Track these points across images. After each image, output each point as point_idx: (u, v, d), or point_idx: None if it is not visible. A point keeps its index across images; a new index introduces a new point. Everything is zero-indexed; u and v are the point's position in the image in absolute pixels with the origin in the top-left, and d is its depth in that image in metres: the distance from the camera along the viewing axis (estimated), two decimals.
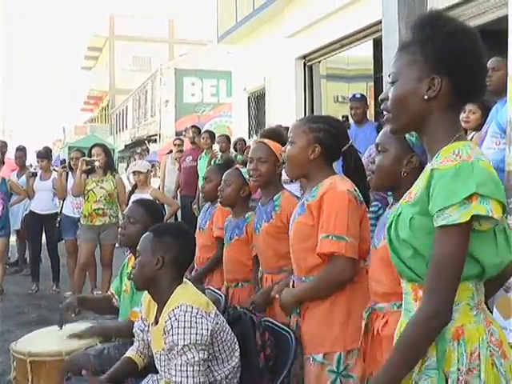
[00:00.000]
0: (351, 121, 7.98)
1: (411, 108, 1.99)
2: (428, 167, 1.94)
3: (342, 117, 8.31)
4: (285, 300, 3.25)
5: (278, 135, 3.96)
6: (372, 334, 2.68)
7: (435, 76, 1.93)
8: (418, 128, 2.04)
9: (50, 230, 9.17)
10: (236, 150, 10.47)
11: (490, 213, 1.79)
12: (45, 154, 9.70)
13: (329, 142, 3.18)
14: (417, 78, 1.96)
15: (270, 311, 3.76)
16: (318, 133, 3.18)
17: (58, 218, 9.00)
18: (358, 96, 7.97)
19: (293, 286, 3.29)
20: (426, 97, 1.95)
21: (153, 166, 16.83)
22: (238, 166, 4.72)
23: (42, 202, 9.26)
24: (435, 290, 1.83)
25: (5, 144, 11.57)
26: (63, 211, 8.87)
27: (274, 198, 3.84)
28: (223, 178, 4.46)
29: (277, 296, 3.44)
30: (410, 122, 2.02)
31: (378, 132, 2.90)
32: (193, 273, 5.02)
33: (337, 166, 3.35)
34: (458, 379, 1.85)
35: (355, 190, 3.10)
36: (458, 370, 1.85)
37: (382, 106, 2.16)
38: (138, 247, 3.27)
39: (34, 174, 9.56)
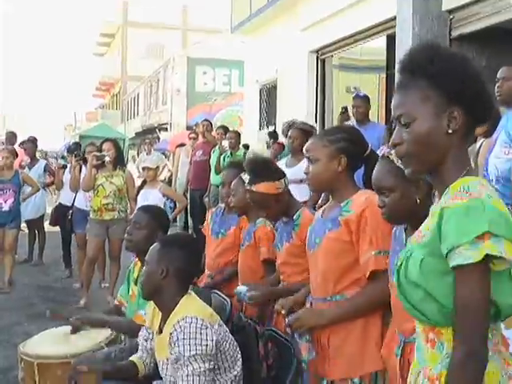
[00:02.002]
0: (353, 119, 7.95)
1: (436, 146, 1.91)
2: (437, 206, 1.90)
3: (342, 108, 8.24)
4: (312, 320, 3.08)
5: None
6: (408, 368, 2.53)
7: (454, 108, 1.88)
8: (437, 165, 1.94)
9: None
10: (231, 146, 10.39)
11: (502, 253, 1.73)
12: (75, 149, 10.00)
13: (352, 150, 3.13)
14: (435, 114, 1.89)
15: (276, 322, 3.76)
16: (338, 143, 3.12)
17: (70, 211, 9.09)
18: (361, 95, 7.93)
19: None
20: (450, 131, 1.89)
21: (163, 153, 16.88)
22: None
23: (70, 195, 9.33)
24: (464, 333, 1.79)
25: (14, 135, 11.64)
26: (75, 204, 8.95)
27: (294, 217, 3.76)
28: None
29: (282, 312, 3.37)
30: (431, 161, 1.93)
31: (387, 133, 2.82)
32: (208, 279, 4.85)
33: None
34: None
35: None
36: None
37: (394, 152, 2.06)
38: (146, 257, 3.31)
39: (64, 167, 9.78)
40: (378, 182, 2.68)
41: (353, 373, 3.00)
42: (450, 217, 1.79)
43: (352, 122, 7.85)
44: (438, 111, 1.89)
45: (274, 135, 11.46)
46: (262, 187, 3.79)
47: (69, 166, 9.81)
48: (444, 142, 1.90)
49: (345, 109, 8.25)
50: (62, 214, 9.74)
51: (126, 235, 4.18)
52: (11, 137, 11.59)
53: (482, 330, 1.78)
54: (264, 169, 3.88)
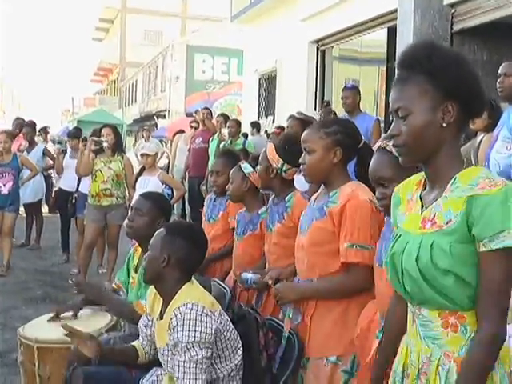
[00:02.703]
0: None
1: (430, 138, 2.02)
2: (449, 194, 1.98)
3: (323, 101, 8.24)
4: (285, 294, 3.28)
5: (292, 142, 3.84)
6: None
7: (449, 102, 1.99)
8: (430, 157, 2.06)
9: None
10: (230, 134, 10.41)
11: None
12: (75, 134, 10.11)
13: (347, 143, 3.20)
14: (431, 108, 2.00)
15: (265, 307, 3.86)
16: (335, 135, 3.19)
17: (74, 195, 9.11)
18: (349, 86, 7.94)
19: None
20: (444, 124, 2.00)
21: (161, 141, 16.88)
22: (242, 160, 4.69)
23: (71, 180, 9.37)
24: (497, 311, 1.92)
25: (23, 121, 11.64)
26: (79, 189, 8.96)
27: (286, 198, 3.83)
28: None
29: (269, 282, 3.49)
30: (426, 152, 2.04)
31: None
32: None
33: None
34: None
35: (373, 198, 3.07)
36: None
37: (392, 143, 2.14)
38: (151, 241, 3.32)
39: (64, 152, 9.81)
40: (376, 173, 2.73)
41: (329, 351, 3.11)
42: (487, 204, 1.88)
43: (341, 115, 7.84)
44: (433, 105, 2.01)
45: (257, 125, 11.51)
46: (269, 147, 3.91)
47: (69, 150, 9.83)
48: (438, 134, 2.01)
49: (327, 102, 8.24)
50: (62, 199, 9.75)
51: (126, 221, 4.17)
52: (21, 123, 11.57)
53: (507, 312, 1.92)
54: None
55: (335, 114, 8.13)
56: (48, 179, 12.12)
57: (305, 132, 3.33)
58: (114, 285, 4.42)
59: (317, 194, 3.42)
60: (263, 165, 3.89)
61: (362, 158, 3.23)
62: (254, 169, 4.36)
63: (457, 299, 1.96)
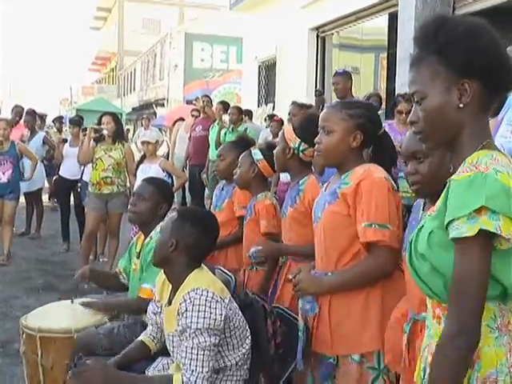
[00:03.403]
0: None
1: (447, 121, 1.88)
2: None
3: (316, 90, 8.23)
4: (311, 288, 3.07)
5: (311, 121, 3.72)
6: (414, 349, 2.50)
7: (465, 81, 1.84)
8: (452, 140, 1.92)
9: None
10: (231, 121, 10.37)
11: (498, 230, 1.68)
12: (76, 122, 10.09)
13: (368, 128, 3.06)
14: (445, 89, 1.87)
15: (278, 297, 3.78)
16: (358, 119, 3.04)
17: (79, 184, 9.10)
18: (341, 72, 7.94)
19: None
20: (461, 105, 1.86)
21: (160, 129, 16.84)
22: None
23: (71, 168, 9.42)
24: (456, 308, 1.75)
25: (22, 109, 11.59)
26: (83, 178, 8.94)
27: (300, 182, 3.75)
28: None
29: (289, 276, 3.32)
30: (445, 136, 1.92)
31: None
32: None
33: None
34: None
35: (390, 178, 2.98)
36: None
37: (413, 130, 2.03)
38: (162, 223, 3.31)
39: (65, 140, 9.81)
40: (412, 147, 2.55)
41: (352, 349, 2.98)
42: (453, 189, 1.77)
43: (328, 103, 7.82)
44: (447, 85, 1.87)
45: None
46: (287, 128, 3.84)
47: (69, 138, 9.79)
48: (456, 116, 1.87)
49: (320, 91, 8.23)
50: (61, 187, 9.72)
51: (129, 206, 4.14)
52: (20, 111, 11.52)
53: (476, 306, 1.73)
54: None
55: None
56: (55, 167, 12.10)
57: (325, 110, 3.20)
58: (116, 269, 4.41)
59: (331, 179, 3.27)
60: (281, 145, 3.80)
61: (380, 144, 3.13)
62: (264, 157, 4.32)
63: (435, 289, 1.84)
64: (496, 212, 1.69)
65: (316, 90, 8.24)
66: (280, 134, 3.94)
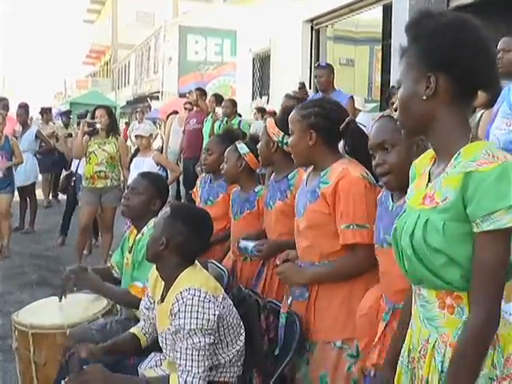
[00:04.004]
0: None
1: (413, 111, 1.95)
2: (450, 170, 1.88)
3: (299, 83, 8.22)
4: (289, 276, 3.23)
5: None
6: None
7: (430, 74, 1.89)
8: (425, 130, 1.98)
9: None
10: (225, 114, 10.34)
11: None
12: (84, 117, 9.87)
13: (323, 125, 3.15)
14: (414, 80, 1.94)
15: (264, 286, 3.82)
16: (309, 118, 3.17)
17: (73, 178, 9.04)
18: (323, 65, 7.94)
19: None
20: (424, 97, 1.91)
21: (154, 122, 16.80)
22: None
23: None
24: (485, 295, 1.80)
25: (7, 102, 11.51)
26: (78, 171, 8.89)
27: (289, 176, 3.77)
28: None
29: (277, 262, 3.42)
30: (415, 125, 1.98)
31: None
32: None
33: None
34: None
35: (367, 174, 3.04)
36: (496, 376, 1.83)
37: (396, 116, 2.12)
38: (155, 219, 3.27)
39: (70, 135, 9.73)
40: (379, 136, 2.63)
41: (335, 336, 3.07)
42: (481, 181, 1.77)
43: (311, 96, 7.80)
44: (417, 77, 1.93)
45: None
46: (269, 122, 3.87)
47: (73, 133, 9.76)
48: (422, 107, 1.93)
49: (302, 84, 8.20)
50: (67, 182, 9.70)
51: (122, 200, 4.12)
52: (6, 103, 11.45)
53: (501, 292, 1.81)
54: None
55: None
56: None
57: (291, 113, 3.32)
58: (109, 264, 4.39)
59: (307, 172, 3.37)
60: (264, 139, 3.83)
61: (348, 136, 3.19)
62: (250, 150, 4.30)
63: (450, 279, 1.86)
64: None
65: (299, 83, 8.21)
66: (262, 128, 3.94)
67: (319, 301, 3.15)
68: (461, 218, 1.81)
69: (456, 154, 1.88)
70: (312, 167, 3.31)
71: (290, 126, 3.25)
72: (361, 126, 3.23)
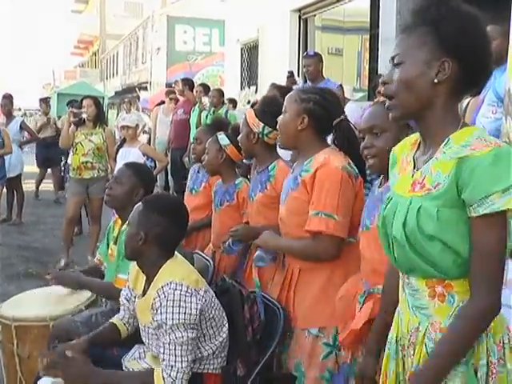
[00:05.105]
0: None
1: (419, 92, 1.89)
2: (440, 156, 1.87)
3: (288, 72, 8.20)
4: (265, 240, 3.28)
5: (272, 104, 3.81)
6: (369, 318, 2.60)
7: (446, 59, 1.85)
8: (419, 114, 1.94)
9: None
10: (212, 104, 10.29)
11: None
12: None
13: (318, 114, 3.13)
14: (426, 61, 1.87)
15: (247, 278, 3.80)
16: (307, 103, 3.13)
17: (63, 168, 9.00)
18: (311, 53, 7.88)
19: None
20: (435, 80, 1.86)
21: (143, 110, 16.72)
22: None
23: None
24: (487, 281, 1.80)
25: None
26: (68, 161, 8.85)
27: (269, 167, 3.75)
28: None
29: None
30: (416, 108, 1.92)
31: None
32: None
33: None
34: (492, 372, 1.84)
35: (349, 165, 3.04)
36: (491, 362, 1.84)
37: (382, 90, 2.03)
38: (129, 216, 3.19)
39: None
40: (370, 121, 2.65)
41: (311, 324, 3.07)
42: (476, 166, 1.76)
43: (299, 84, 7.78)
44: (430, 59, 1.88)
45: None
46: (248, 112, 3.85)
47: None
48: (428, 90, 1.89)
49: (291, 73, 8.18)
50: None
51: (106, 190, 4.08)
52: None
53: (501, 281, 1.82)
54: (273, 104, 3.81)
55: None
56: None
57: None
58: (96, 259, 4.36)
59: (296, 163, 3.34)
60: (244, 131, 3.81)
61: (338, 133, 3.18)
62: (231, 141, 4.27)
63: (443, 267, 1.85)
64: None
65: (288, 71, 8.18)
66: (242, 120, 3.91)
67: (297, 289, 3.15)
68: (454, 204, 1.81)
69: (446, 141, 1.87)
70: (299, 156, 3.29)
71: (284, 103, 3.21)
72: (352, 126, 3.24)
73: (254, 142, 3.77)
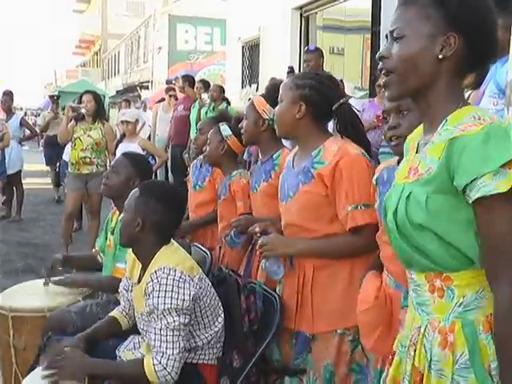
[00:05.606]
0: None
1: (421, 69, 1.76)
2: (435, 139, 1.75)
3: (288, 67, 8.15)
4: (275, 246, 2.98)
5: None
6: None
7: (452, 33, 1.73)
8: (419, 92, 1.81)
9: None
10: (212, 99, 10.25)
11: None
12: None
13: (315, 100, 2.97)
14: (430, 35, 1.74)
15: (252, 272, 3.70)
16: (303, 90, 2.97)
17: (58, 164, 8.97)
18: (312, 48, 7.83)
19: None
20: (440, 56, 1.74)
21: (144, 106, 16.68)
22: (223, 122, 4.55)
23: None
24: (507, 270, 1.61)
25: None
26: (63, 157, 8.82)
27: (274, 156, 3.66)
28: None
29: (256, 230, 3.18)
30: (416, 85, 1.79)
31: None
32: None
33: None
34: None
35: (365, 153, 2.91)
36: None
37: (379, 65, 1.90)
38: (125, 202, 3.14)
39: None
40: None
41: (335, 326, 2.92)
42: (465, 146, 1.62)
43: None
44: (434, 33, 1.75)
45: None
46: (257, 100, 3.75)
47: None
48: (431, 66, 1.77)
49: (291, 68, 8.13)
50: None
51: (103, 179, 4.07)
52: None
53: None
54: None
55: None
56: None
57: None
58: (93, 250, 4.34)
59: (292, 154, 3.22)
60: (252, 117, 3.70)
61: (339, 118, 3.01)
62: (234, 132, 4.23)
63: (438, 259, 1.72)
64: None
65: (288, 67, 8.13)
66: (247, 107, 3.82)
67: (316, 290, 2.97)
68: (446, 190, 1.66)
69: (443, 122, 1.74)
70: (297, 148, 3.16)
71: (280, 93, 3.07)
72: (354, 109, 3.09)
73: (262, 129, 3.68)
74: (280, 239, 3.03)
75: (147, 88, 30.64)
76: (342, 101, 3.01)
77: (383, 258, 2.59)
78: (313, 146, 2.98)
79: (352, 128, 2.99)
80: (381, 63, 1.85)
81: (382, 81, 1.99)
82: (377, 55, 1.86)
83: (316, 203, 2.92)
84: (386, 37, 1.87)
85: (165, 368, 2.74)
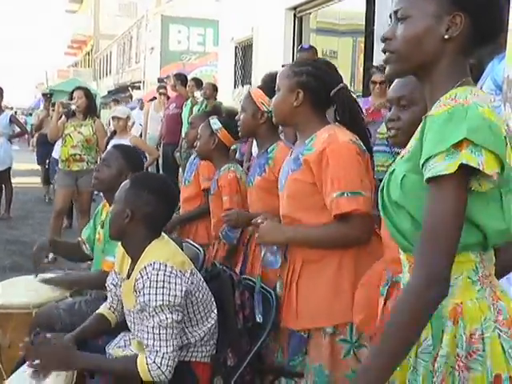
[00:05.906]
0: None
1: (426, 48, 1.71)
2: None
3: (282, 66, 8.11)
4: (270, 234, 2.90)
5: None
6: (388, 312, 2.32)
7: (458, 13, 1.67)
8: (424, 72, 1.76)
9: None
10: (205, 96, 10.19)
11: (480, 165, 1.51)
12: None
13: (313, 86, 2.88)
14: (435, 15, 1.69)
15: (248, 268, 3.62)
16: (300, 77, 2.88)
17: (47, 161, 8.90)
18: (306, 47, 7.76)
19: None
20: (446, 36, 1.69)
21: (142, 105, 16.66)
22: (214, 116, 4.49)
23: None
24: (425, 257, 1.55)
25: None
26: (53, 154, 8.74)
27: (268, 149, 3.58)
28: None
29: (259, 221, 3.04)
30: (420, 64, 1.74)
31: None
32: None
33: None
34: (459, 365, 1.62)
35: (357, 140, 2.81)
36: (457, 355, 1.62)
37: (383, 47, 1.84)
38: (116, 194, 3.06)
39: None
40: (400, 90, 2.39)
41: (322, 322, 2.80)
42: (430, 125, 1.60)
43: None
44: (439, 12, 1.70)
45: None
46: (254, 91, 3.68)
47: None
48: (437, 46, 1.72)
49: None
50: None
51: (94, 173, 3.99)
52: None
53: (449, 253, 1.55)
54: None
55: None
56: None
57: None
58: (79, 238, 4.24)
59: (296, 143, 3.12)
60: (250, 110, 3.61)
61: (338, 104, 2.92)
62: (224, 125, 4.17)
63: (412, 240, 1.67)
64: (478, 146, 1.52)
65: (282, 66, 8.10)
66: (244, 99, 3.73)
67: (302, 283, 2.87)
68: (418, 170, 1.61)
69: (437, 102, 1.68)
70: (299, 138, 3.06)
71: (277, 81, 2.99)
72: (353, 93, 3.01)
73: (261, 122, 3.60)
74: (270, 226, 2.93)
75: (139, 88, 30.60)
76: (340, 85, 2.92)
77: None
78: (310, 134, 2.89)
79: (350, 113, 2.91)
80: (384, 45, 1.80)
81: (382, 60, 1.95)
82: (381, 37, 1.81)
83: (304, 191, 2.82)
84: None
85: (159, 367, 2.66)
